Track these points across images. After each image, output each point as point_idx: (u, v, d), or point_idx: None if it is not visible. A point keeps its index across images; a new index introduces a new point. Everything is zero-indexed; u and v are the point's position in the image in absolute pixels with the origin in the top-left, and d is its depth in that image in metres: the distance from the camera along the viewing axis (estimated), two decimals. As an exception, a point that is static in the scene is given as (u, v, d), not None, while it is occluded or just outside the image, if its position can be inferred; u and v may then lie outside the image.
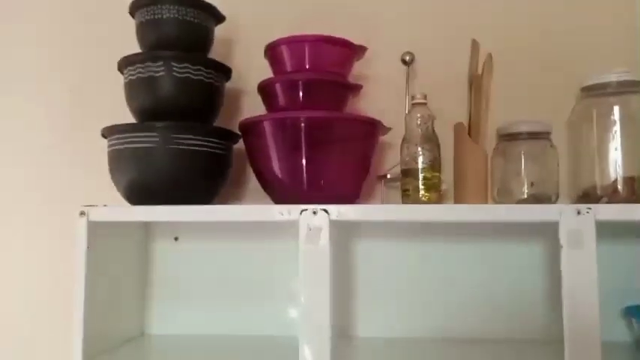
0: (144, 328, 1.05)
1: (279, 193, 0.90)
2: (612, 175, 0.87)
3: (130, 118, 0.92)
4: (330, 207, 0.79)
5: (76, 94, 1.14)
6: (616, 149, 0.87)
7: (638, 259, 0.96)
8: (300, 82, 0.87)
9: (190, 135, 0.86)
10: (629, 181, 0.86)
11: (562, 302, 0.75)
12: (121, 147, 0.87)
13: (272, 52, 0.92)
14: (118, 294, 0.96)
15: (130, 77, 0.91)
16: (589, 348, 0.73)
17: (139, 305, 1.04)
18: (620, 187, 0.86)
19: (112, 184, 0.90)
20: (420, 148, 0.88)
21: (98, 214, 0.84)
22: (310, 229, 0.79)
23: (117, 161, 0.89)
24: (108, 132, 0.89)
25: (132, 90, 0.91)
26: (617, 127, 0.88)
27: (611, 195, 0.86)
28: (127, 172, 0.87)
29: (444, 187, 0.91)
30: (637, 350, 0.91)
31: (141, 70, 0.89)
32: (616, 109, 0.88)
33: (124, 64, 0.91)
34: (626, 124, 0.87)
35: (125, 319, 1.00)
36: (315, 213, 0.79)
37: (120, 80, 0.94)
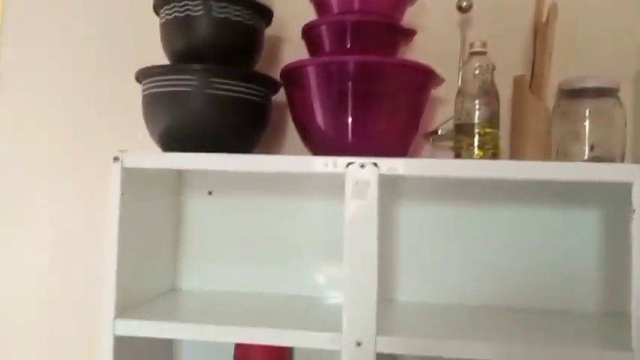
0: (175, 283, 1.01)
1: (321, 146, 0.84)
2: (687, 138, 0.80)
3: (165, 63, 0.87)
4: (379, 160, 0.73)
5: (107, 38, 1.08)
6: (693, 109, 0.80)
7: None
8: (349, 24, 0.80)
9: (230, 80, 0.80)
10: None
11: (623, 273, 0.69)
12: (156, 90, 0.82)
13: (319, -8, 0.85)
14: (149, 247, 0.92)
15: (167, 17, 0.85)
16: (659, 320, 0.67)
17: (170, 260, 1.01)
18: (696, 150, 0.79)
19: (146, 131, 0.86)
20: (476, 102, 0.81)
21: (132, 160, 0.79)
22: (357, 184, 0.73)
23: (151, 106, 0.84)
24: (142, 75, 0.84)
25: (168, 31, 0.86)
26: (696, 84, 0.80)
27: (685, 159, 0.79)
28: (161, 117, 0.83)
29: (501, 145, 0.84)
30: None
31: (178, 9, 0.83)
32: (697, 63, 0.80)
33: (161, 2, 0.86)
34: None
35: (156, 273, 0.96)
36: (362, 166, 0.73)
37: (153, 22, 0.89)
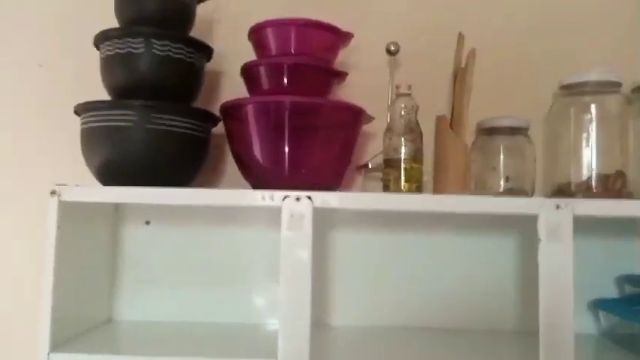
0: (112, 313, 1.01)
1: (259, 179, 0.88)
2: (587, 173, 0.89)
3: (103, 96, 0.88)
4: (313, 194, 0.78)
5: (47, 69, 1.08)
6: (591, 147, 0.89)
7: (601, 254, 0.99)
8: (286, 66, 0.85)
9: (170, 115, 0.83)
10: (603, 178, 0.88)
11: (538, 294, 0.76)
12: (96, 125, 0.84)
13: (257, 34, 0.89)
14: (86, 278, 0.92)
15: (108, 53, 0.87)
16: (562, 339, 0.75)
17: (107, 290, 1.01)
18: (594, 184, 0.88)
19: (81, 165, 0.87)
20: (402, 139, 0.87)
21: (70, 194, 0.80)
22: (292, 216, 0.78)
23: (90, 140, 0.85)
24: (82, 109, 0.86)
25: (108, 66, 0.88)
26: (593, 126, 0.90)
27: (585, 192, 0.88)
28: (100, 151, 0.84)
29: (424, 179, 0.91)
30: (606, 342, 0.94)
31: (119, 45, 0.85)
32: (593, 107, 0.90)
33: (102, 38, 0.88)
34: (603, 123, 0.90)
35: (93, 304, 0.96)
36: (298, 199, 0.78)
37: (93, 57, 0.91)
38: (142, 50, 0.84)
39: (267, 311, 1.01)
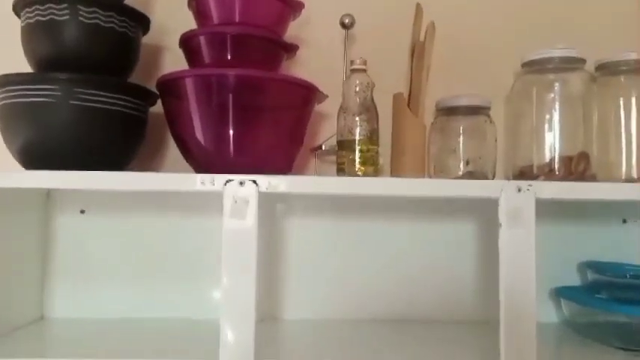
0: (44, 311, 0.93)
1: (202, 162, 0.80)
2: (549, 154, 0.85)
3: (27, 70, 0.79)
4: (259, 178, 0.71)
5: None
6: (554, 128, 0.85)
7: (562, 240, 0.96)
8: (229, 36, 0.77)
9: (97, 90, 0.74)
10: (566, 160, 0.84)
11: (498, 281, 0.72)
12: (15, 101, 0.74)
13: (197, 1, 0.81)
14: (12, 272, 0.83)
15: (28, 21, 0.78)
16: (524, 328, 0.71)
17: (38, 285, 0.92)
18: (557, 166, 0.84)
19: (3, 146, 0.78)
20: (357, 119, 0.81)
21: (-15, 179, 0.71)
22: (236, 202, 0.71)
23: (9, 118, 0.76)
24: (-1, 83, 0.76)
25: (30, 36, 0.78)
26: (556, 105, 0.85)
27: (548, 174, 0.84)
28: (21, 130, 0.75)
29: (380, 161, 0.85)
30: (567, 331, 0.91)
31: (40, 12, 0.76)
32: (556, 85, 0.86)
33: (22, 4, 0.78)
34: (566, 102, 0.85)
35: (21, 300, 0.87)
36: (242, 184, 0.71)
37: (14, 26, 0.81)
38: (67, 17, 0.75)
39: (215, 306, 0.94)
